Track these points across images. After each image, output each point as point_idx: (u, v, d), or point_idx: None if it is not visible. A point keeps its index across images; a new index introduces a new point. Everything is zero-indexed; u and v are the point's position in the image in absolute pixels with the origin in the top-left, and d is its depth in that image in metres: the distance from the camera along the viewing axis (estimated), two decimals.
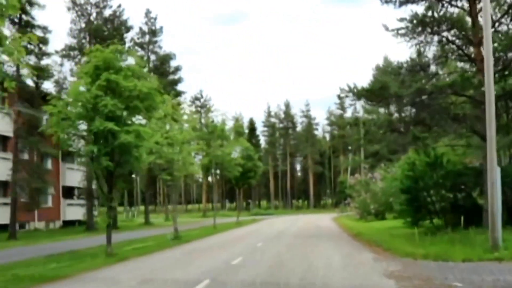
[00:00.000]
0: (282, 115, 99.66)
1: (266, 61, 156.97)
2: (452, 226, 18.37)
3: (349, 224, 34.14)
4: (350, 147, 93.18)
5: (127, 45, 42.61)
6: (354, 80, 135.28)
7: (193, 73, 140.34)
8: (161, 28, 52.83)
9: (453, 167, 20.76)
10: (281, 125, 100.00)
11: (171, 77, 52.29)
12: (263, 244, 18.94)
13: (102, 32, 39.07)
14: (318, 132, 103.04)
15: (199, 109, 76.43)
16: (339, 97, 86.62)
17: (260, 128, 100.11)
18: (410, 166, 20.26)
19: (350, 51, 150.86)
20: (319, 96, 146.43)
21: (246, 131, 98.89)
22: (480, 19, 16.58)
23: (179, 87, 54.04)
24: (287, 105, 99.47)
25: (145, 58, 49.60)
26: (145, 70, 50.41)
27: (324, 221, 43.08)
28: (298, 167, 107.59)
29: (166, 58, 51.30)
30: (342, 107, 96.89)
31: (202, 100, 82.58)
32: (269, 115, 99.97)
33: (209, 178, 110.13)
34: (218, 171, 39.31)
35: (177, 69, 52.57)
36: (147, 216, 50.20)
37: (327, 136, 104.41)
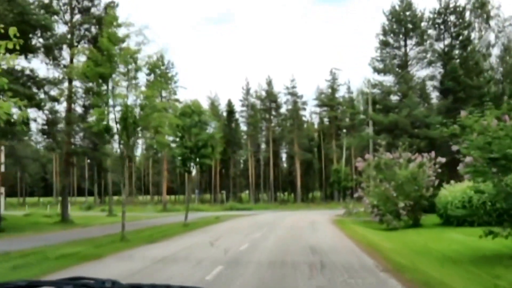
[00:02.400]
0: (264, 94, 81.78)
1: (246, 40, 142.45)
2: None
3: (386, 247, 14.80)
4: (344, 130, 78.41)
5: None
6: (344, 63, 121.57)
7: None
8: None
9: None
10: (262, 106, 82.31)
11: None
12: None
13: None
14: (306, 113, 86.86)
15: (158, 78, 60.53)
16: None
17: (238, 109, 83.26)
18: None
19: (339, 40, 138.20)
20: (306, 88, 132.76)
21: (224, 114, 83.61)
22: None
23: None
24: (269, 83, 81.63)
25: None
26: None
27: (324, 231, 23.21)
28: (284, 156, 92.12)
29: None
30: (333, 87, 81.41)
31: (163, 67, 66.62)
32: (247, 92, 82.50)
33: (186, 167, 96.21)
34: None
35: (110, 6, 36.40)
36: (64, 210, 34.88)
37: (316, 121, 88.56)
